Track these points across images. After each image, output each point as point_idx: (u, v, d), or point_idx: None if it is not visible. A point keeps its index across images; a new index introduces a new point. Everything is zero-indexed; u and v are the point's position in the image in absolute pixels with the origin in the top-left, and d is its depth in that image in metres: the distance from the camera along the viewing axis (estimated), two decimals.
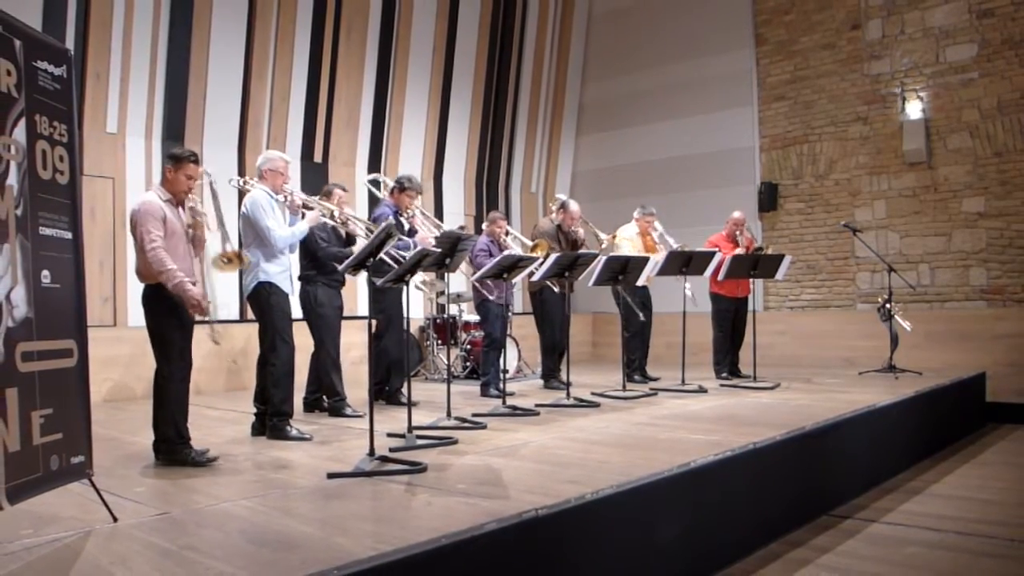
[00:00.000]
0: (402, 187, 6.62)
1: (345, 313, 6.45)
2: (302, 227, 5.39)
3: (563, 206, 7.85)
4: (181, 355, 4.40)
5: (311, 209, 5.48)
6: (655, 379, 8.07)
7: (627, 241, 8.20)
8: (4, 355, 2.76)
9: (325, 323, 6.09)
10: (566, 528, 3.21)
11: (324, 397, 6.29)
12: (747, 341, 8.16)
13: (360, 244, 5.72)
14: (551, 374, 7.90)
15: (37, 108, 3.06)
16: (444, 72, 11.12)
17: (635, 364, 8.21)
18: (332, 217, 5.65)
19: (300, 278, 6.13)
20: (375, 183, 7.15)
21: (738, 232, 8.30)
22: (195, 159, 4.48)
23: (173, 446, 4.34)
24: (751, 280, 8.16)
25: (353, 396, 6.43)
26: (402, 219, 6.52)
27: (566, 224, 7.80)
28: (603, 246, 7.84)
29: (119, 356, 7.67)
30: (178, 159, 4.42)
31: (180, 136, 8.42)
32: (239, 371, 8.41)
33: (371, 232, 5.52)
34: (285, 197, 5.34)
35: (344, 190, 6.38)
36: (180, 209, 4.45)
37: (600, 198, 12.30)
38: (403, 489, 3.66)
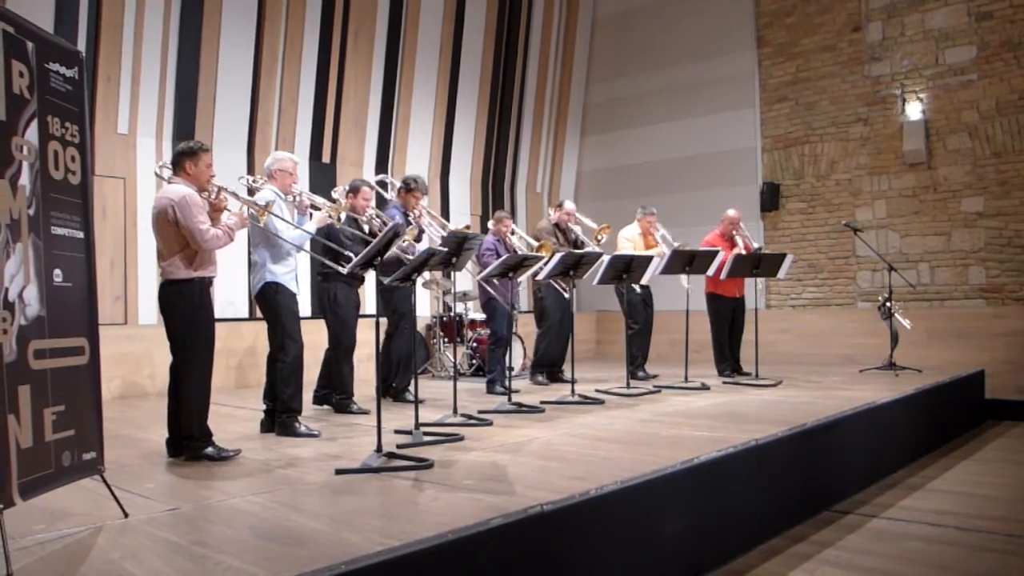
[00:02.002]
0: (408, 187, 6.68)
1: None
2: (309, 228, 5.43)
3: (560, 205, 8.13)
4: (208, 350, 4.43)
5: (319, 209, 5.52)
6: (653, 376, 8.13)
7: (628, 241, 8.26)
8: (17, 353, 2.76)
9: (343, 322, 6.15)
10: (571, 524, 3.23)
11: (333, 393, 6.33)
12: (749, 339, 8.21)
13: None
14: (538, 370, 8.01)
15: (49, 109, 3.07)
16: (451, 73, 11.17)
17: (638, 361, 8.26)
18: (357, 226, 5.68)
19: (320, 275, 6.18)
20: (382, 184, 7.19)
21: (734, 231, 8.35)
22: (207, 148, 4.54)
23: (196, 443, 4.37)
24: (744, 280, 8.23)
25: (361, 393, 6.47)
26: (410, 218, 6.57)
27: (563, 222, 7.99)
28: (599, 238, 7.90)
29: (130, 354, 7.75)
30: (193, 152, 4.45)
31: (190, 137, 8.45)
32: (247, 369, 8.46)
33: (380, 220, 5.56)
34: (294, 197, 5.38)
35: (371, 187, 6.41)
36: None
37: (605, 198, 12.37)
38: (410, 485, 3.68)
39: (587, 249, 7.47)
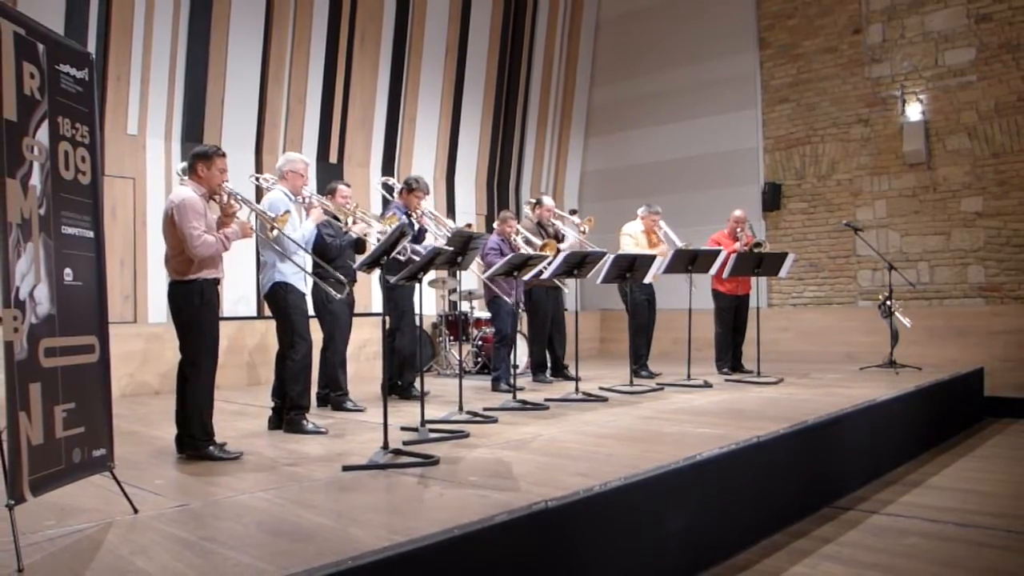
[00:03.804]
0: (410, 188, 6.71)
1: (359, 310, 6.53)
2: (308, 226, 5.45)
3: (538, 202, 8.08)
4: (211, 350, 4.45)
5: (330, 215, 5.55)
6: (656, 375, 8.16)
7: (630, 237, 8.30)
8: (28, 351, 2.78)
9: (335, 320, 6.17)
10: (575, 519, 3.27)
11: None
12: (751, 337, 8.26)
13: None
14: (539, 368, 8.05)
15: (60, 110, 3.09)
16: (456, 75, 11.21)
17: (641, 359, 8.30)
18: (348, 223, 5.71)
19: (313, 275, 6.20)
20: (388, 187, 7.22)
21: (739, 229, 8.40)
22: (223, 153, 4.56)
23: (197, 442, 4.38)
24: (751, 278, 8.27)
25: (367, 390, 6.50)
26: (412, 219, 6.61)
27: (544, 219, 7.99)
28: (584, 230, 7.92)
29: (139, 352, 7.79)
30: (207, 156, 4.48)
31: (199, 137, 8.52)
32: (256, 366, 8.52)
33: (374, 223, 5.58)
34: (303, 199, 5.40)
35: (347, 186, 6.44)
36: (209, 203, 4.51)
37: (608, 198, 12.42)
38: (416, 481, 3.71)
39: (574, 245, 7.49)
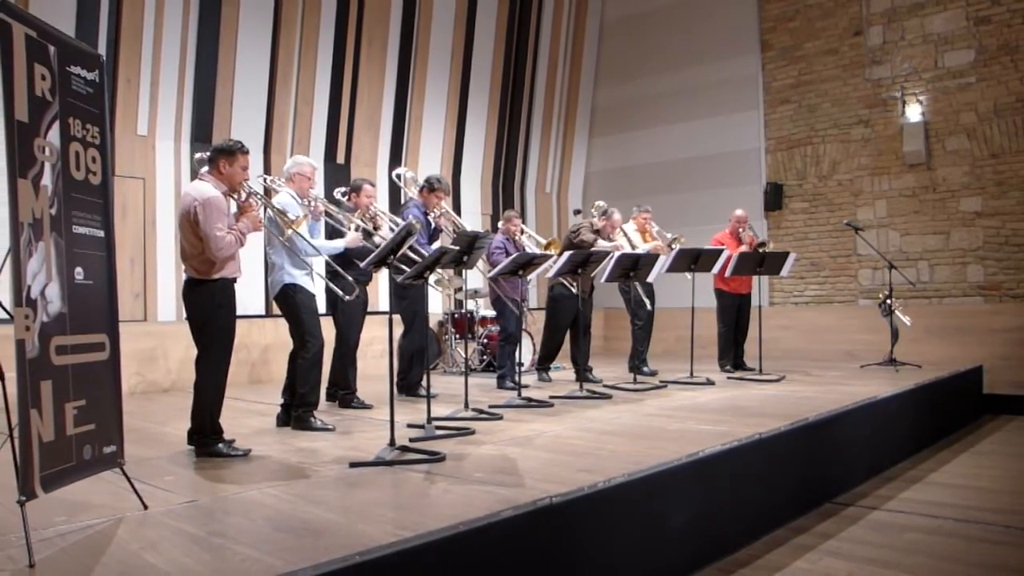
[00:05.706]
0: (432, 187, 6.69)
1: (369, 308, 6.55)
2: (338, 245, 5.51)
3: (606, 213, 7.93)
4: (225, 349, 4.42)
5: (330, 216, 5.58)
6: (653, 372, 8.19)
7: (636, 235, 8.36)
8: (39, 349, 2.80)
9: (350, 320, 6.20)
10: (579, 515, 3.28)
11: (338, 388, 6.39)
12: (753, 335, 8.28)
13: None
14: (542, 367, 8.07)
15: (71, 111, 3.11)
16: (462, 77, 11.26)
17: (643, 356, 8.31)
18: (368, 236, 5.75)
19: (325, 277, 6.23)
20: (400, 178, 7.22)
21: (741, 229, 8.45)
22: (246, 150, 4.48)
23: (206, 439, 4.38)
24: (753, 277, 8.31)
25: (375, 388, 6.51)
26: (430, 218, 6.63)
27: (606, 232, 7.91)
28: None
29: (148, 350, 7.85)
30: (231, 151, 4.39)
31: (208, 138, 8.54)
32: (263, 365, 8.56)
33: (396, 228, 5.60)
34: (309, 202, 5.43)
35: (373, 185, 6.45)
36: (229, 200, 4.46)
37: (612, 198, 12.33)
38: (422, 478, 3.73)
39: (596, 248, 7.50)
